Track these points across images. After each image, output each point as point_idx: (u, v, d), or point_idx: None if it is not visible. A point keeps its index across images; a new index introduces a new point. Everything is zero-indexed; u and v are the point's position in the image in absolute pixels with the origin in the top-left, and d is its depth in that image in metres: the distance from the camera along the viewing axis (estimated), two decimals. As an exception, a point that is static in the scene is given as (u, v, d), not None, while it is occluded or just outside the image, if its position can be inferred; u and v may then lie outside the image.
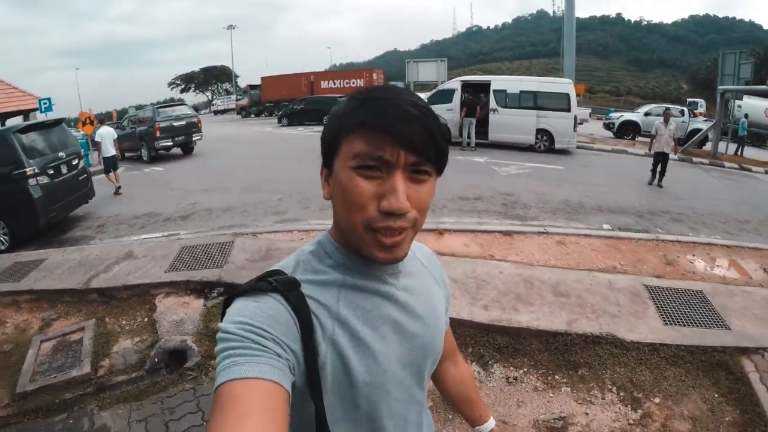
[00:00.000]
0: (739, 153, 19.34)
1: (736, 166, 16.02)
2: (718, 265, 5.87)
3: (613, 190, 10.25)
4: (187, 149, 17.13)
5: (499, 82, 15.83)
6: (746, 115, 22.53)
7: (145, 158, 16.16)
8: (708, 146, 19.38)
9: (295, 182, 10.14)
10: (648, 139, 21.57)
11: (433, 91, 17.12)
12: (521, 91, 15.38)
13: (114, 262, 5.69)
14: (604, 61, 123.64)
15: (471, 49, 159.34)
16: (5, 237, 7.45)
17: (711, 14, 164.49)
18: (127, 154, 17.40)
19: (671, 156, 11.13)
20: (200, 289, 4.91)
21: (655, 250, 6.11)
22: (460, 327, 4.06)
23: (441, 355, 1.06)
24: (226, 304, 0.81)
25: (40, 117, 17.29)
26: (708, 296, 4.66)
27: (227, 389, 0.66)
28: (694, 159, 16.34)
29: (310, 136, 20.63)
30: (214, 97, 71.34)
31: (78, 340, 4.29)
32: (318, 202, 8.37)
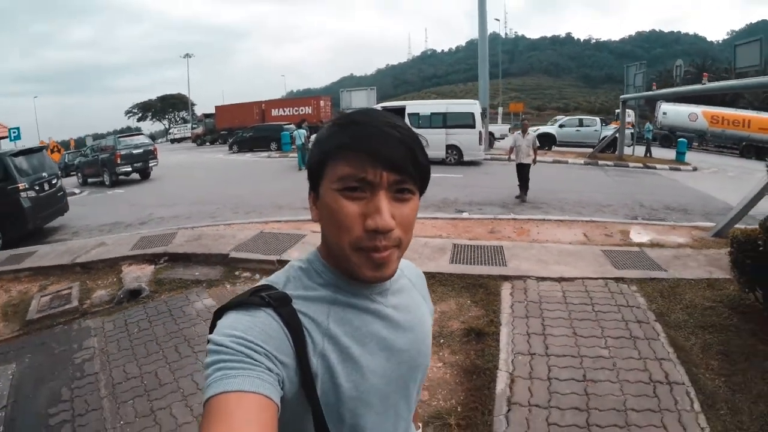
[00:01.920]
0: (647, 154, 22.08)
1: (641, 165, 18.76)
2: (537, 232, 8.05)
3: (495, 191, 12.24)
4: (145, 174, 19.40)
5: (412, 106, 18.71)
6: (651, 122, 26.01)
7: (107, 182, 18.40)
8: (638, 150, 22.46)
9: (232, 198, 12.78)
10: (564, 149, 24.67)
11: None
12: (432, 113, 18.15)
13: (91, 248, 7.98)
14: (555, 79, 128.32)
15: (425, 73, 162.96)
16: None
17: (657, 29, 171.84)
18: (89, 180, 19.66)
19: (533, 165, 11.35)
20: (152, 258, 7.22)
21: (487, 225, 8.55)
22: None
23: None
24: (217, 316, 0.82)
25: (9, 145, 19.34)
26: (505, 249, 6.69)
27: (218, 402, 0.67)
28: (600, 162, 19.01)
29: (256, 161, 23.32)
30: (171, 125, 72.34)
31: (67, 294, 6.50)
32: (244, 208, 11.01)
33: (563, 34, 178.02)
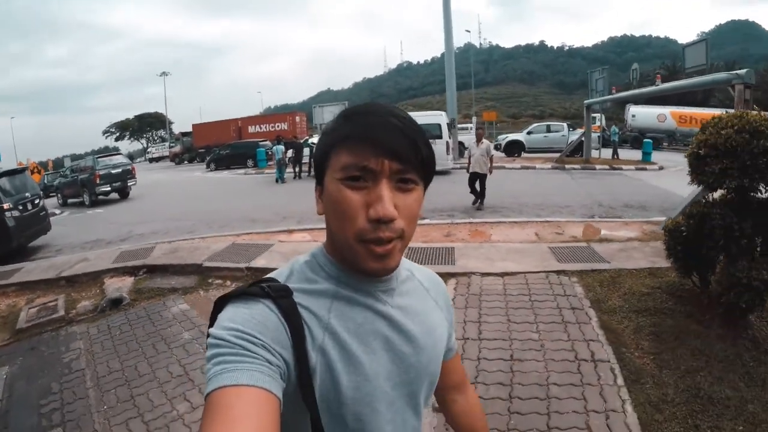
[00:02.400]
0: (615, 156, 22.97)
1: (607, 167, 19.38)
2: (491, 234, 8.61)
3: (460, 198, 12.19)
4: (124, 194, 19.92)
5: None
6: (618, 125, 26.99)
7: (86, 203, 18.89)
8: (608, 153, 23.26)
9: (208, 213, 13.38)
10: (534, 155, 25.39)
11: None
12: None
13: (75, 263, 8.53)
14: (530, 87, 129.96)
15: (402, 85, 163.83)
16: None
17: (629, 34, 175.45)
18: (69, 200, 20.13)
19: (489, 174, 11.19)
20: (132, 271, 7.78)
21: (444, 229, 9.17)
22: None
23: (447, 384, 1.14)
24: (217, 308, 0.82)
25: None
26: (456, 250, 7.26)
27: (218, 396, 0.67)
28: (567, 166, 19.61)
29: (233, 178, 23.98)
30: (149, 144, 72.47)
31: (54, 305, 7.03)
32: (219, 223, 11.60)
33: (537, 42, 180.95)
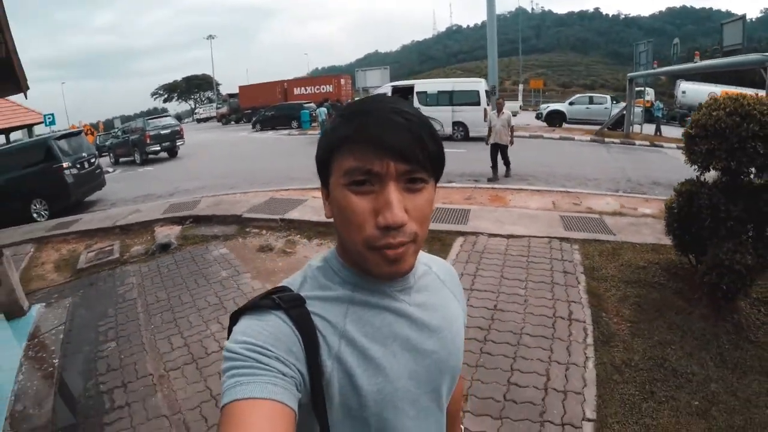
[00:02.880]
0: (657, 133, 22.07)
1: (647, 143, 18.66)
2: (510, 200, 8.89)
3: (489, 164, 11.72)
4: (172, 153, 20.92)
5: (421, 85, 19.56)
6: (659, 101, 26.12)
7: (137, 161, 19.97)
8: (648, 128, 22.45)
9: (250, 171, 14.21)
10: (575, 126, 24.88)
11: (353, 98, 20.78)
12: (439, 91, 18.94)
13: (128, 214, 9.36)
14: (583, 56, 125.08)
15: (451, 49, 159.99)
16: (45, 211, 11.08)
17: (688, 5, 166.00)
18: (121, 159, 21.30)
19: (510, 146, 11.20)
20: (179, 220, 8.52)
21: (466, 193, 9.54)
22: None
23: None
24: (233, 321, 0.82)
25: (45, 130, 20.99)
26: (471, 212, 7.69)
27: (232, 409, 0.68)
28: (606, 139, 19.14)
29: (277, 139, 24.75)
30: (197, 105, 73.73)
31: (110, 249, 7.84)
32: (261, 181, 12.30)
33: (591, 9, 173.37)
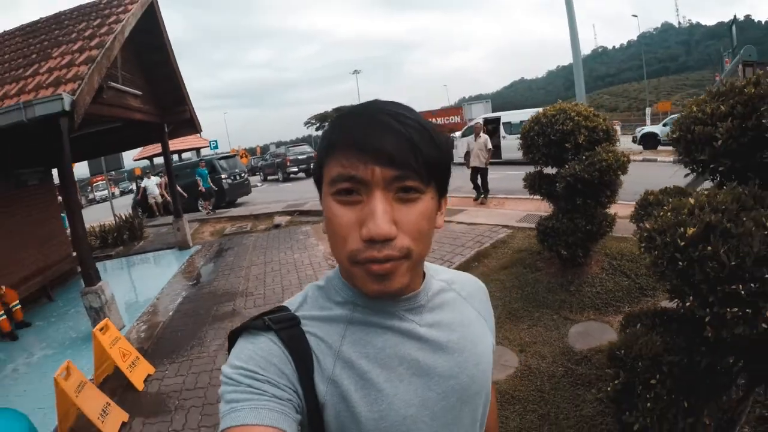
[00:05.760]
0: None
1: None
2: (503, 204, 11.03)
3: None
4: (308, 173, 25.99)
5: (506, 116, 22.07)
6: None
7: (280, 179, 25.51)
8: None
9: None
10: (670, 148, 24.50)
11: (465, 127, 23.41)
12: (521, 120, 21.25)
13: (260, 209, 13.97)
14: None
15: (597, 72, 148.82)
16: (211, 207, 16.05)
17: None
18: (269, 177, 27.02)
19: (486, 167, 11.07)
20: (290, 213, 12.80)
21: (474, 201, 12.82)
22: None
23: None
24: (230, 341, 0.79)
25: (209, 152, 27.21)
26: (462, 211, 10.30)
27: None
28: (659, 159, 19.16)
29: None
30: None
31: (244, 226, 12.25)
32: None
33: (742, 17, 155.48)
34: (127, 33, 6.80)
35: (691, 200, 2.13)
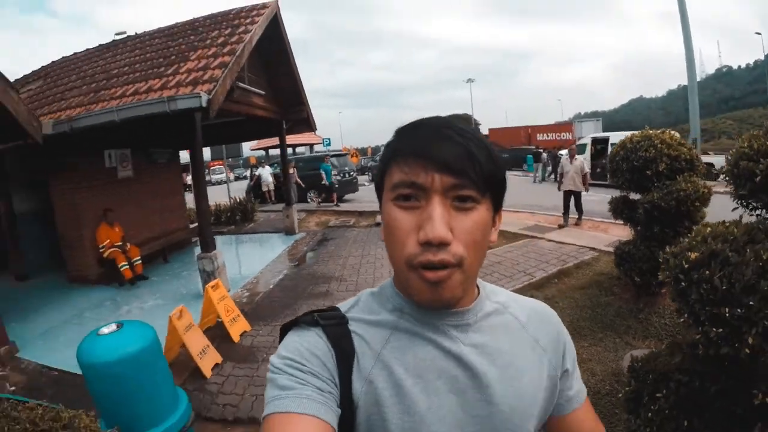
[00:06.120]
0: None
1: None
2: (542, 216, 11.79)
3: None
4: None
5: (615, 137, 21.12)
6: None
7: (386, 180, 26.58)
8: None
9: None
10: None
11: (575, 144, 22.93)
12: None
13: (364, 206, 14.92)
14: None
15: (721, 94, 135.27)
16: (319, 201, 17.14)
17: None
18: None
19: (583, 192, 10.68)
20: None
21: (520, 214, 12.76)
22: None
23: None
24: (281, 335, 0.83)
25: (322, 149, 29.11)
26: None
27: (270, 422, 0.70)
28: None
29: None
30: None
31: (348, 221, 13.06)
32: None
33: None
34: (254, 42, 7.82)
35: (708, 229, 2.30)
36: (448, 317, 0.80)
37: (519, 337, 0.86)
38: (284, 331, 0.83)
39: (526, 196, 16.17)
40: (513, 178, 27.69)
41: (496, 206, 0.77)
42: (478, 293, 0.85)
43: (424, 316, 0.80)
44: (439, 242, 0.68)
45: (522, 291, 5.99)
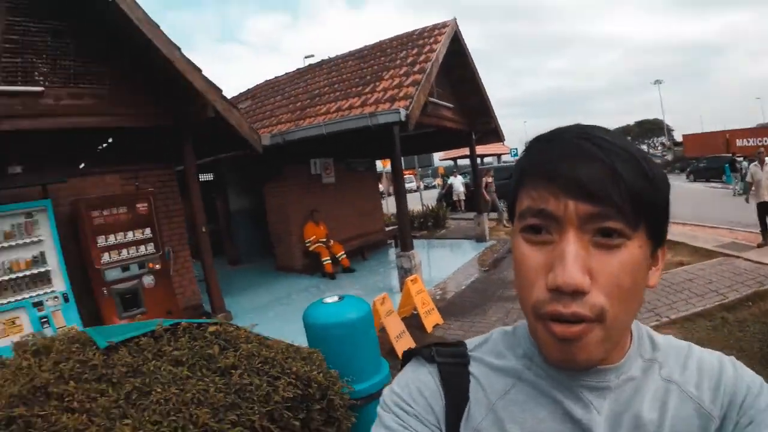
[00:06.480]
0: None
1: None
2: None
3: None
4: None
5: None
6: None
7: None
8: None
9: None
10: None
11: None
12: None
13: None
14: None
15: None
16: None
17: None
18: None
19: None
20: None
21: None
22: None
23: None
24: (404, 360, 0.78)
25: (510, 159, 29.59)
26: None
27: None
28: None
29: (695, 188, 25.04)
30: (649, 149, 73.76)
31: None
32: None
33: None
34: (440, 59, 8.40)
35: None
36: (584, 376, 0.64)
37: (681, 407, 0.65)
38: (406, 358, 0.77)
39: (725, 210, 14.43)
40: (711, 190, 24.47)
41: (657, 240, 0.62)
42: (630, 343, 0.68)
43: (555, 371, 0.66)
44: (573, 290, 0.55)
45: (712, 312, 5.77)
